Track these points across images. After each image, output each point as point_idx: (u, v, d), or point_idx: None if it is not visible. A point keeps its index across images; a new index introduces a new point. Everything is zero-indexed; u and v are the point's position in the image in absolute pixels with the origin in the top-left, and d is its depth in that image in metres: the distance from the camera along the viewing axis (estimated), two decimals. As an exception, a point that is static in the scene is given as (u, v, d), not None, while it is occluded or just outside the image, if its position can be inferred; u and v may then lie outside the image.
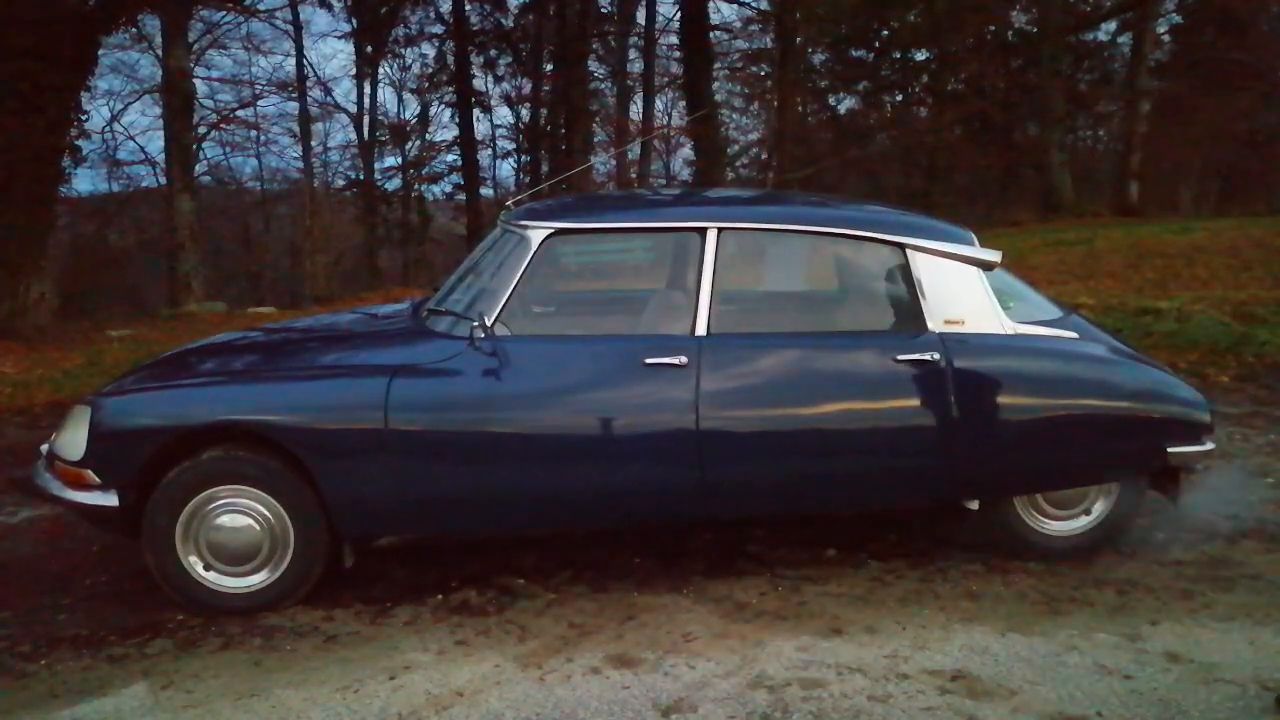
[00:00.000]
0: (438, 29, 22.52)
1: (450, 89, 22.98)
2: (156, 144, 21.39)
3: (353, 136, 24.33)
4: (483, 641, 3.10)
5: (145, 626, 3.25)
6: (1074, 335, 3.59)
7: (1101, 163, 25.10)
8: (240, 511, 3.25)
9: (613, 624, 3.19)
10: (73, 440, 3.27)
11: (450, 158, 24.34)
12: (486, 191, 24.12)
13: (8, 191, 10.10)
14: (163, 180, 18.20)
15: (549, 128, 22.63)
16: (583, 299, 4.47)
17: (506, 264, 3.44)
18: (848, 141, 23.54)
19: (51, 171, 11.10)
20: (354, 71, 23.44)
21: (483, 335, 3.23)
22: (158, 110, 18.66)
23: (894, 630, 3.10)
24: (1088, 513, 3.62)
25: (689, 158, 23.35)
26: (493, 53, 22.76)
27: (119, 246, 21.53)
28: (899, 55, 23.85)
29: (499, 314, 3.30)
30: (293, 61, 21.85)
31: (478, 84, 22.82)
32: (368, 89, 23.75)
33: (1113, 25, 22.03)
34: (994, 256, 3.53)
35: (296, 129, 22.28)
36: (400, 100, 26.06)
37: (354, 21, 21.79)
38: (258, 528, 3.26)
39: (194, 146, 18.15)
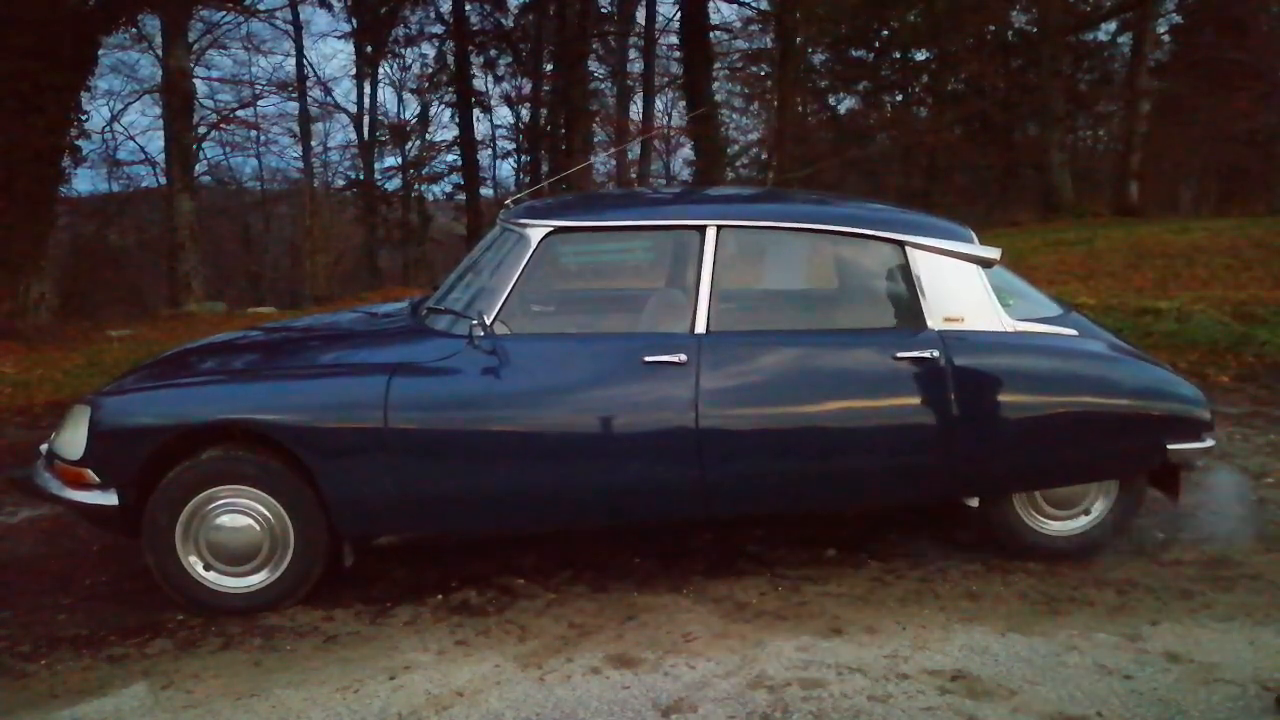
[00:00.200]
0: (438, 29, 22.56)
1: (450, 89, 23.00)
2: (156, 144, 21.43)
3: (353, 136, 24.39)
4: (483, 641, 3.10)
5: (145, 626, 3.25)
6: (1073, 333, 3.59)
7: (1101, 163, 25.10)
8: (240, 511, 3.25)
9: (613, 624, 3.19)
10: (72, 440, 3.27)
11: (450, 158, 24.40)
12: (486, 191, 24.16)
13: (8, 191, 10.11)
14: (163, 180, 18.21)
15: (549, 128, 22.63)
16: (582, 298, 4.47)
17: (506, 262, 3.44)
18: (848, 141, 23.55)
19: (51, 171, 11.11)
20: (354, 71, 23.51)
21: (482, 334, 3.23)
22: (158, 110, 18.69)
23: (894, 630, 3.10)
24: (1087, 512, 3.62)
25: (689, 158, 23.40)
26: (493, 53, 22.78)
27: (119, 246, 21.53)
28: (899, 55, 23.87)
29: (498, 312, 3.30)
30: (293, 61, 21.91)
31: (478, 84, 22.86)
32: (368, 89, 23.82)
33: (1113, 25, 22.06)
34: (993, 254, 3.53)
35: (296, 129, 22.33)
36: (400, 100, 26.13)
37: (354, 21, 21.83)
38: (258, 528, 3.26)
39: (194, 146, 18.15)
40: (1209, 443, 3.55)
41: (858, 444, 3.37)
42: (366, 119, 23.92)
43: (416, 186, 25.00)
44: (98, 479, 3.23)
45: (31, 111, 10.08)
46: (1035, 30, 21.28)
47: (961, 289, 3.47)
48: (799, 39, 20.19)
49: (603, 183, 21.35)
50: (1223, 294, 8.31)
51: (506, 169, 26.32)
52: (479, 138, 23.46)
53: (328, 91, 24.98)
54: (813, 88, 24.45)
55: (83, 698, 2.80)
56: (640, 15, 21.54)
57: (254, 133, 23.09)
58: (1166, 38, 22.18)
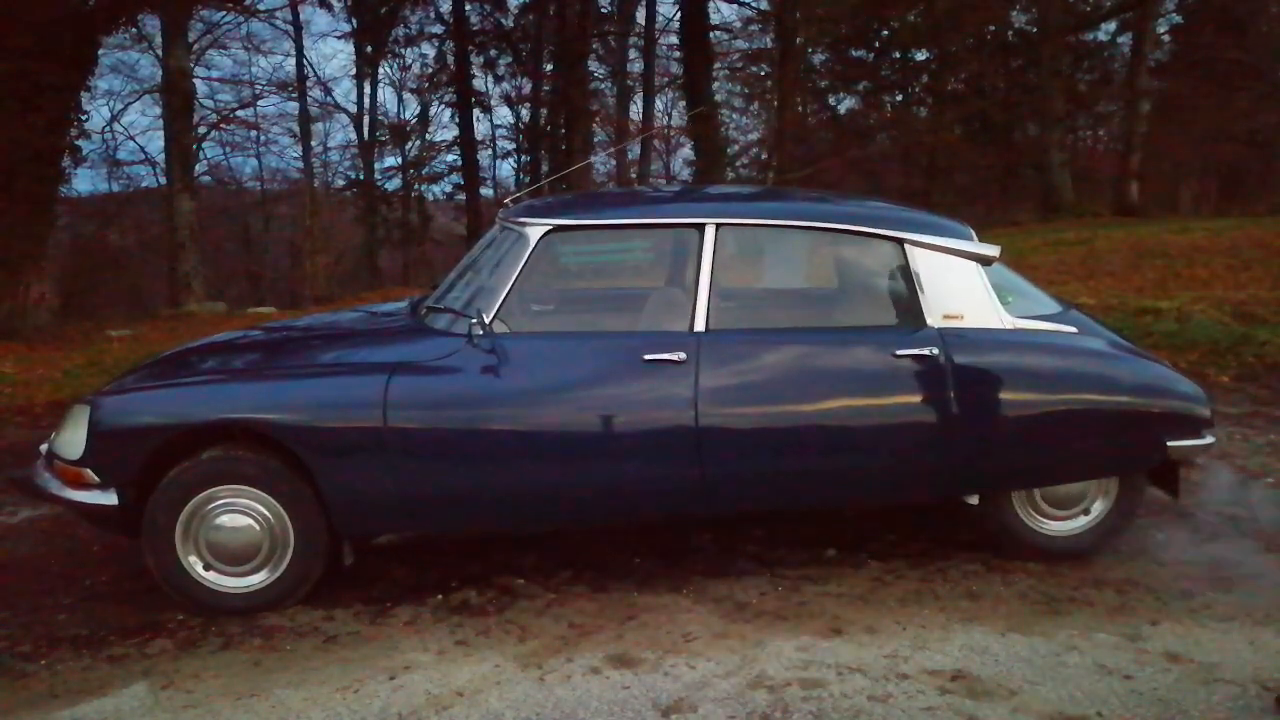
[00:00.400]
0: (438, 29, 22.57)
1: (450, 89, 23.01)
2: (156, 144, 21.43)
3: (353, 136, 24.39)
4: (483, 641, 3.10)
5: (145, 626, 3.25)
6: (1073, 330, 3.59)
7: (1101, 163, 25.10)
8: (240, 511, 3.25)
9: (613, 624, 3.19)
10: (72, 439, 3.27)
11: (450, 158, 24.41)
12: (486, 191, 24.16)
13: (8, 191, 10.11)
14: (163, 180, 18.23)
15: (549, 128, 22.65)
16: (581, 296, 4.46)
17: (505, 261, 3.44)
18: (848, 141, 23.54)
19: (51, 171, 11.10)
20: (354, 71, 23.51)
21: (481, 332, 3.23)
22: (158, 110, 18.69)
23: (894, 630, 3.10)
24: (1087, 512, 3.62)
25: (689, 157, 23.41)
26: (493, 53, 22.78)
27: (119, 246, 21.53)
28: (899, 55, 23.86)
29: (497, 311, 3.30)
30: (293, 61, 21.90)
31: (478, 84, 22.87)
32: (368, 89, 23.82)
33: (1113, 25, 22.05)
34: (992, 251, 3.53)
35: (296, 129, 22.33)
36: (400, 100, 26.13)
37: (354, 21, 21.83)
38: (257, 527, 3.26)
39: (194, 146, 18.16)
40: (1209, 440, 3.55)
41: (857, 441, 3.37)
42: (366, 119, 23.95)
43: (416, 186, 25.02)
44: (97, 479, 3.23)
45: (31, 111, 10.08)
46: (1035, 30, 21.28)
47: (961, 286, 3.47)
48: (799, 39, 20.17)
49: (602, 182, 21.37)
50: (1223, 294, 8.31)
51: (506, 169, 26.36)
52: (479, 138, 23.51)
53: (328, 91, 25.02)
54: (813, 88, 24.44)
55: (83, 698, 2.80)
56: (640, 15, 21.57)
57: (254, 133, 23.13)
58: (1166, 38, 22.20)
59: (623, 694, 2.73)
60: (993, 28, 22.41)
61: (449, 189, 24.89)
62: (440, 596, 3.44)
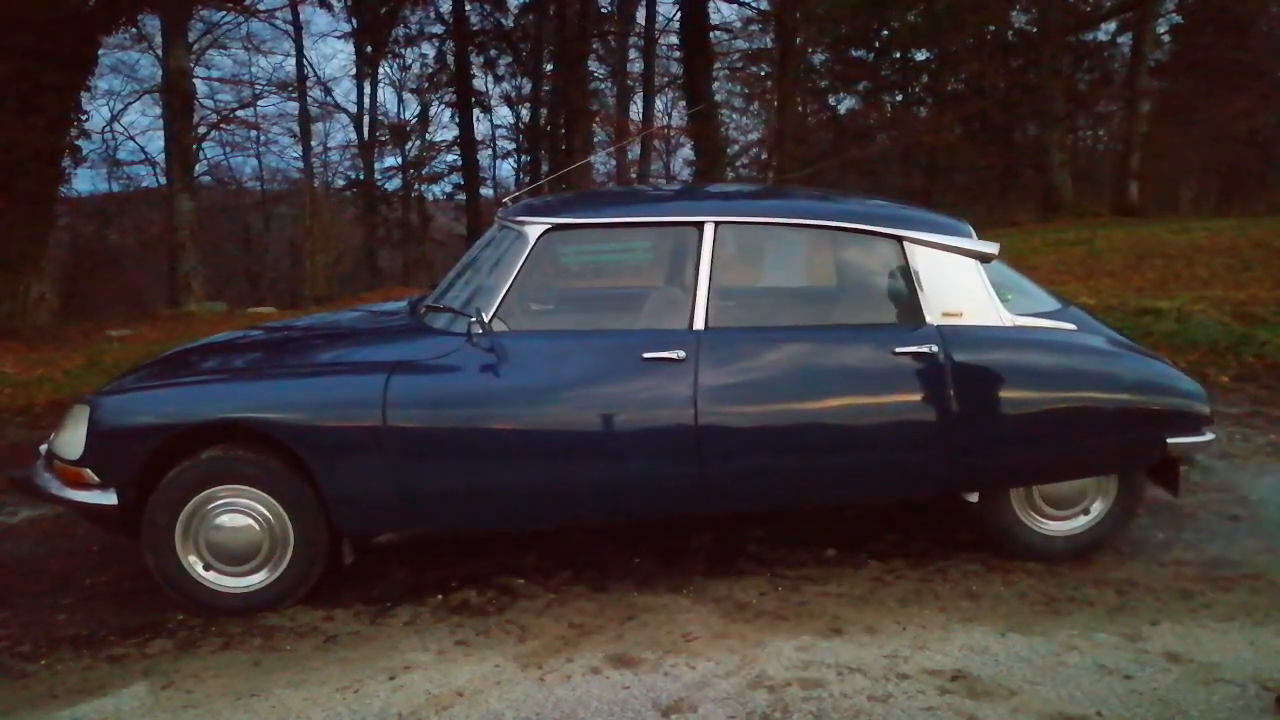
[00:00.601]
0: (438, 29, 22.59)
1: (450, 89, 23.02)
2: (156, 144, 21.44)
3: (353, 136, 24.41)
4: (483, 641, 3.10)
5: (145, 626, 3.25)
6: (1072, 327, 3.59)
7: (1101, 163, 25.11)
8: (240, 511, 3.25)
9: (613, 624, 3.19)
10: (71, 439, 3.27)
11: (450, 158, 24.45)
12: (486, 191, 24.19)
13: (8, 191, 10.10)
14: (163, 180, 18.23)
15: (549, 128, 22.65)
16: (580, 295, 4.46)
17: (504, 260, 3.44)
18: (848, 141, 23.55)
19: (51, 171, 11.09)
20: (354, 71, 23.54)
21: (480, 331, 3.23)
22: (158, 110, 18.70)
23: (894, 630, 3.10)
24: (1086, 512, 3.62)
25: (689, 157, 23.41)
26: (493, 53, 22.80)
27: (119, 246, 21.53)
28: (899, 55, 23.88)
29: (496, 310, 3.30)
30: (293, 61, 21.95)
31: (478, 84, 22.90)
32: (368, 89, 23.84)
33: (1113, 25, 22.08)
34: (991, 248, 3.53)
35: (296, 129, 22.36)
36: (400, 100, 26.16)
37: (354, 21, 21.85)
38: (257, 527, 3.26)
39: (194, 146, 18.16)
40: (1209, 437, 3.55)
41: (857, 439, 3.37)
42: (366, 119, 23.97)
43: (416, 186, 25.03)
44: (97, 479, 3.23)
45: (31, 111, 10.07)
46: (1035, 30, 21.30)
47: (960, 284, 3.47)
48: (799, 39, 20.19)
49: (602, 182, 21.36)
50: (1223, 294, 8.31)
51: (506, 169, 26.39)
52: (479, 138, 23.54)
53: (328, 91, 24.99)
54: (813, 88, 24.46)
55: (83, 698, 2.80)
56: (640, 15, 21.59)
57: (254, 133, 23.15)
58: (1166, 38, 22.20)
59: (623, 694, 2.73)
60: (993, 28, 22.42)
61: (449, 189, 24.95)
62: (440, 596, 3.44)
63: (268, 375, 3.48)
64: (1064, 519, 3.61)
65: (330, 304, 13.50)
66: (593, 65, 21.95)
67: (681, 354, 3.28)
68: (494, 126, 25.39)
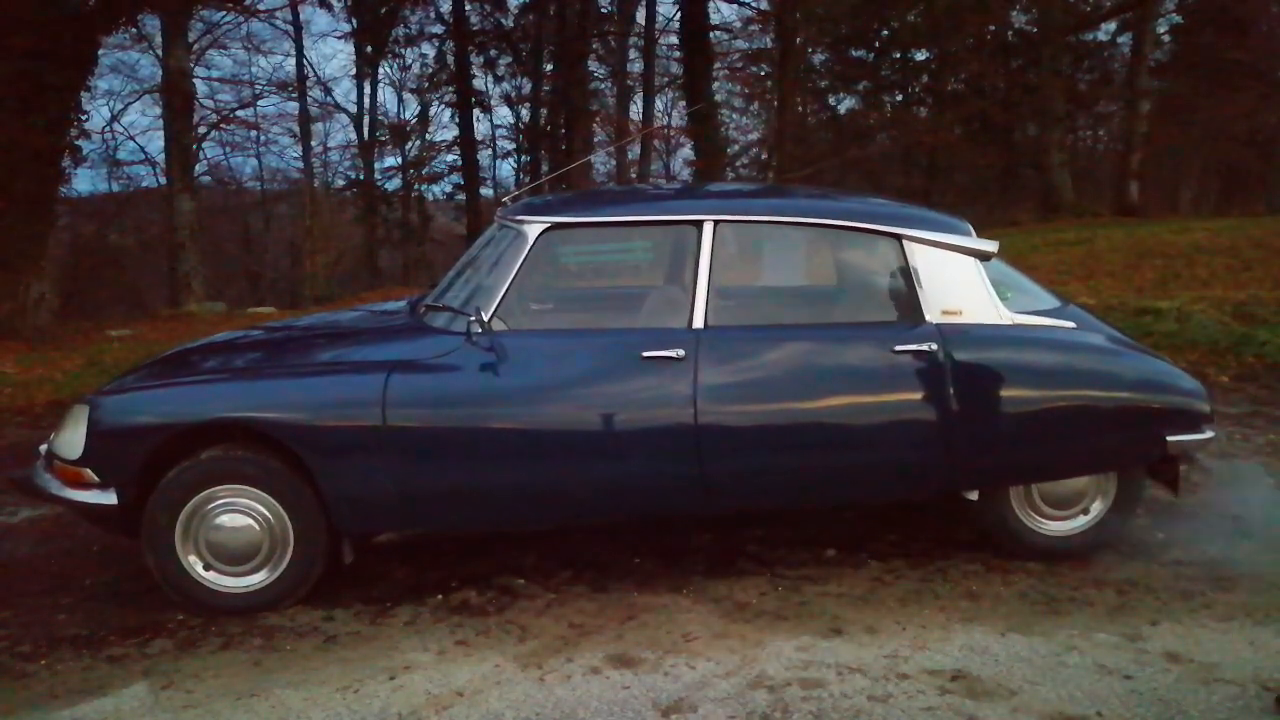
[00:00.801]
0: (438, 29, 22.57)
1: (450, 89, 23.00)
2: (156, 144, 21.45)
3: (353, 136, 24.39)
4: (483, 641, 3.10)
5: (145, 626, 3.25)
6: (1072, 325, 3.59)
7: (1101, 163, 25.10)
8: (240, 511, 3.25)
9: (613, 624, 3.19)
10: (71, 439, 3.27)
11: (450, 158, 24.42)
12: (486, 191, 24.17)
13: (8, 191, 10.10)
14: (163, 180, 18.23)
15: (549, 128, 22.64)
16: (580, 294, 4.46)
17: (503, 259, 3.44)
18: (848, 141, 23.55)
19: (51, 171, 11.09)
20: (354, 71, 23.51)
21: (480, 330, 3.23)
22: (158, 110, 18.69)
23: (894, 630, 3.10)
24: (1085, 512, 3.62)
25: (689, 157, 23.40)
26: (493, 53, 22.78)
27: (119, 246, 21.53)
28: (899, 55, 23.86)
29: (496, 309, 3.30)
30: (293, 61, 21.94)
31: (478, 84, 22.86)
32: (368, 89, 23.82)
33: (1113, 25, 22.05)
34: (990, 247, 3.53)
35: (296, 129, 22.36)
36: (400, 100, 26.14)
37: (354, 21, 21.82)
38: (257, 527, 3.26)
39: (194, 146, 18.17)
40: (1209, 434, 3.55)
41: (856, 438, 3.37)
42: (366, 119, 23.95)
43: (416, 186, 25.01)
44: (97, 479, 3.23)
45: (31, 111, 10.07)
46: (1035, 30, 21.29)
47: (959, 282, 3.47)
48: (799, 39, 20.20)
49: (603, 182, 21.36)
50: (1223, 294, 8.31)
51: (506, 169, 26.37)
52: (479, 138, 23.51)
53: (328, 91, 25.04)
54: (813, 88, 24.45)
55: (83, 698, 2.80)
56: (640, 15, 21.57)
57: (254, 133, 23.17)
58: (1166, 38, 22.19)
59: (623, 694, 2.73)
60: (993, 28, 22.40)
61: (449, 189, 24.92)
62: (440, 596, 3.44)
63: (267, 375, 3.48)
64: (1063, 519, 3.61)
65: (330, 304, 13.50)
66: (593, 65, 21.97)
67: (681, 353, 3.28)
68: (494, 126, 25.42)
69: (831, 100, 25.56)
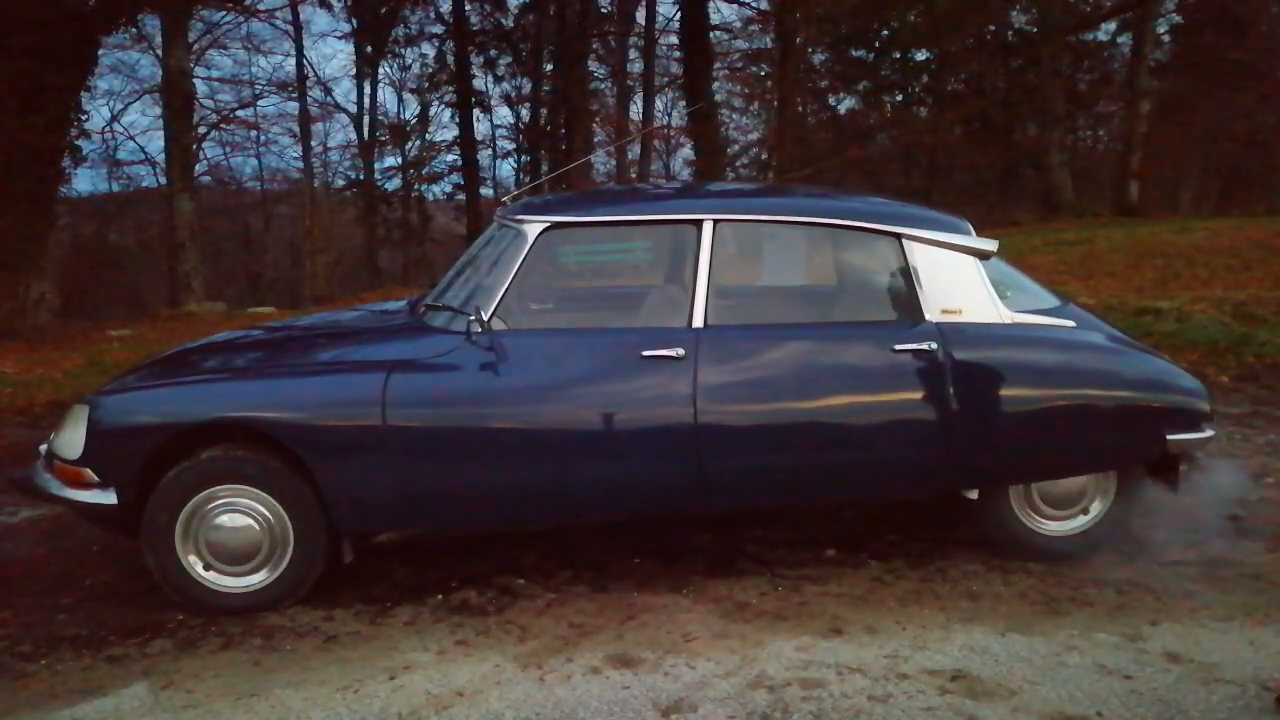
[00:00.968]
0: (438, 29, 22.57)
1: (450, 89, 23.01)
2: (156, 144, 21.46)
3: (353, 136, 24.39)
4: (483, 641, 3.10)
5: (145, 626, 3.25)
6: (1071, 324, 3.59)
7: (1101, 163, 25.10)
8: (240, 511, 3.25)
9: (613, 624, 3.19)
10: (71, 439, 3.27)
11: (450, 158, 24.43)
12: (486, 191, 24.17)
13: (8, 191, 10.11)
14: (163, 180, 18.25)
15: (549, 128, 22.64)
16: (580, 294, 4.46)
17: (503, 258, 3.44)
18: (848, 141, 23.55)
19: (51, 171, 11.10)
20: (354, 71, 23.52)
21: (479, 330, 3.23)
22: (158, 110, 18.71)
23: (894, 630, 3.10)
24: (1085, 512, 3.62)
25: (689, 157, 23.40)
26: (493, 53, 22.78)
27: (119, 246, 21.54)
28: (899, 55, 23.86)
29: (495, 308, 3.30)
30: (293, 61, 21.91)
31: (478, 84, 22.87)
32: (368, 89, 23.81)
33: (1113, 25, 22.06)
34: (990, 246, 3.53)
35: (296, 129, 22.35)
36: (400, 100, 26.14)
37: (354, 21, 21.83)
38: (257, 527, 3.25)
39: (194, 146, 18.17)
40: (1208, 433, 3.55)
41: (856, 437, 3.37)
42: (366, 119, 23.94)
43: (416, 186, 25.02)
44: (97, 478, 3.23)
45: (31, 111, 10.08)
46: (1035, 30, 21.29)
47: (959, 281, 3.47)
48: (799, 39, 20.20)
49: (603, 182, 21.35)
50: (1223, 294, 8.31)
51: (506, 169, 26.37)
52: (479, 138, 23.52)
53: (328, 91, 25.01)
54: (813, 88, 24.45)
55: (83, 698, 2.80)
56: (640, 15, 21.56)
57: (254, 133, 23.17)
58: (1166, 38, 22.19)
59: (623, 694, 2.73)
60: (993, 28, 22.41)
61: (449, 189, 24.93)
62: (440, 596, 3.44)
63: (267, 374, 3.48)
64: (1063, 519, 3.61)
65: (330, 304, 13.50)
66: (593, 65, 21.96)
67: (681, 352, 3.28)
68: (494, 126, 25.42)
69: (831, 100, 25.59)
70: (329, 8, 20.59)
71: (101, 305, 17.59)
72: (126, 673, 2.95)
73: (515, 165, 25.71)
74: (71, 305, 16.19)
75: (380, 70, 23.92)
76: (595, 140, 21.49)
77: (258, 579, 3.29)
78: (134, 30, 16.11)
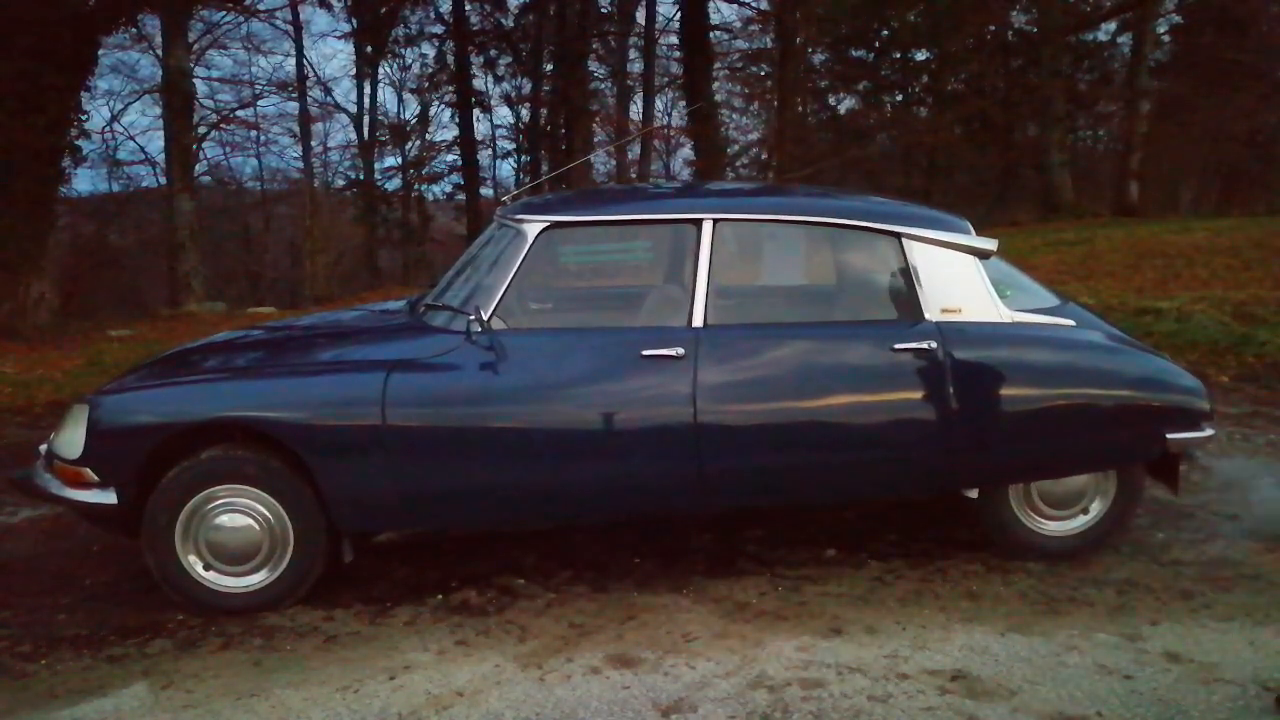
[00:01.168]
0: (438, 29, 22.55)
1: (450, 89, 23.00)
2: (156, 144, 21.46)
3: (353, 136, 24.38)
4: (483, 641, 3.10)
5: (145, 626, 3.25)
6: (1071, 323, 3.59)
7: (1101, 163, 25.09)
8: (240, 511, 3.25)
9: (613, 624, 3.19)
10: (71, 439, 3.27)
11: (450, 158, 24.42)
12: (486, 191, 24.17)
13: (8, 191, 10.11)
14: (163, 180, 18.24)
15: (549, 128, 22.63)
16: (579, 293, 4.46)
17: (503, 258, 3.44)
18: (848, 141, 23.54)
19: (51, 171, 11.11)
20: (354, 71, 23.51)
21: (479, 329, 3.23)
22: (158, 110, 18.69)
23: (894, 630, 3.10)
24: (1085, 512, 3.62)
25: (689, 157, 23.41)
26: (493, 53, 22.77)
27: (119, 246, 21.53)
28: (899, 55, 23.87)
29: (495, 308, 3.30)
30: (293, 61, 21.90)
31: (478, 84, 22.85)
32: (368, 89, 23.80)
33: (1113, 25, 22.05)
34: (990, 245, 3.53)
35: (296, 129, 22.32)
36: (400, 100, 26.14)
37: (354, 21, 21.81)
38: (257, 527, 3.26)
39: (194, 146, 18.16)
40: (1208, 432, 3.55)
41: (856, 436, 3.37)
42: (366, 119, 23.93)
43: (416, 186, 25.01)
44: (97, 478, 3.23)
45: (31, 111, 10.09)
46: (1035, 30, 21.28)
47: (959, 280, 3.47)
48: (799, 39, 20.19)
49: (603, 182, 21.35)
50: (1223, 294, 8.30)
51: (506, 169, 26.37)
52: (479, 138, 23.50)
53: (328, 91, 25.00)
54: (813, 88, 24.44)
55: (83, 698, 2.80)
56: (640, 15, 21.54)
57: (254, 133, 23.15)
58: (1166, 38, 22.18)
59: (623, 694, 2.73)
60: (993, 28, 22.40)
61: (449, 189, 24.92)
62: (440, 596, 3.44)
63: (267, 374, 3.48)
64: (1063, 519, 3.62)
65: (330, 304, 13.50)
66: (593, 65, 21.94)
67: (680, 351, 3.28)
68: (494, 126, 25.41)
69: (831, 100, 25.58)
70: (329, 8, 20.58)
71: (101, 305, 17.57)
72: (126, 673, 2.95)
73: (515, 165, 25.73)
74: (71, 305, 16.17)
75: (380, 70, 23.94)
76: (595, 140, 21.47)
77: (258, 579, 3.29)
78: (134, 30, 16.12)
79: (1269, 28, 21.35)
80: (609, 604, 3.34)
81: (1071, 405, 3.43)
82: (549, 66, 22.20)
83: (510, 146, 25.98)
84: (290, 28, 21.08)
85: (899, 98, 25.34)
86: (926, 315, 3.42)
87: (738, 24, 22.93)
